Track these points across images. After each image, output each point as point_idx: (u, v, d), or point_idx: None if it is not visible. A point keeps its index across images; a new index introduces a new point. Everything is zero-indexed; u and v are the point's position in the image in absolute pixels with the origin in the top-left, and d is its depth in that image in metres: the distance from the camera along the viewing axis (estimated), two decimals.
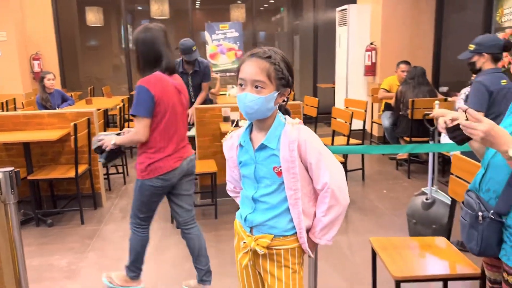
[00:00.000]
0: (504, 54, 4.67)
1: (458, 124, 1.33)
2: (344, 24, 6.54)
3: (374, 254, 2.25)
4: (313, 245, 1.52)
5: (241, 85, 1.40)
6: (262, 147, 1.45)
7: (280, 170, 1.42)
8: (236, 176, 1.60)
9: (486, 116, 2.76)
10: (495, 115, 2.86)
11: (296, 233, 1.47)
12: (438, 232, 2.89)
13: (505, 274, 1.41)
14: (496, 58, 2.97)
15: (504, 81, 2.96)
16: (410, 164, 4.92)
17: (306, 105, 5.40)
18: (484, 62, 2.98)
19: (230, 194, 1.74)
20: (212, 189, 4.00)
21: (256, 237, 1.48)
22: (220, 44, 7.82)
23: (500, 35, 4.78)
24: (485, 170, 1.47)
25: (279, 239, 1.47)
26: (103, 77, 9.24)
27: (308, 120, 5.46)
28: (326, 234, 1.48)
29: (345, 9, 6.44)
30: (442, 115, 1.41)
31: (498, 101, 2.89)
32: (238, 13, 8.59)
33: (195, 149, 4.27)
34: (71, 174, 3.66)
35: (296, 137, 1.40)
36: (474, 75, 4.01)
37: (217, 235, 3.49)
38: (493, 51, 2.93)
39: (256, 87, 1.37)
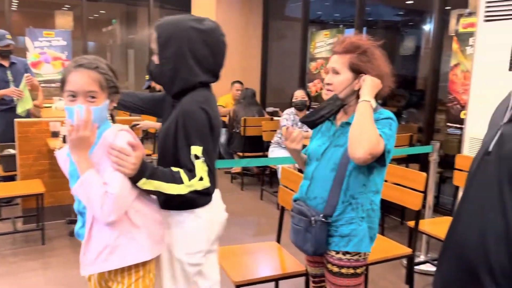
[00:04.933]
0: (317, 80, 5.48)
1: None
2: None
3: None
4: None
5: (73, 96, 1.37)
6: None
7: None
8: None
9: None
10: None
11: None
12: None
13: (329, 265, 1.69)
14: None
15: None
16: (243, 177, 5.29)
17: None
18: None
19: None
20: (38, 212, 3.61)
21: None
22: (44, 52, 7.12)
23: (313, 65, 5.58)
24: (310, 181, 1.74)
25: None
26: None
27: (146, 136, 5.40)
28: None
29: None
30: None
31: None
32: (65, 20, 7.97)
33: (15, 170, 3.80)
34: None
35: (110, 142, 1.40)
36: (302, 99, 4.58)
37: (45, 262, 3.15)
38: None
39: (90, 97, 1.37)
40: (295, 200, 1.81)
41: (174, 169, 1.50)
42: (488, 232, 0.91)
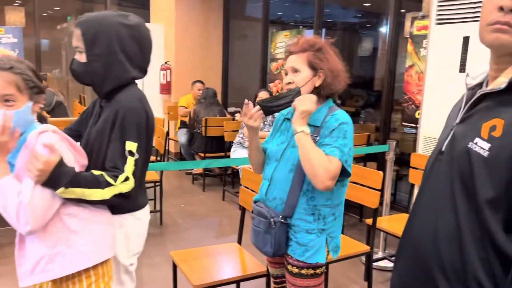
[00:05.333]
0: (278, 80, 5.51)
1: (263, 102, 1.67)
2: None
3: (175, 267, 2.33)
4: None
5: None
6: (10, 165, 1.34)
7: None
8: None
9: None
10: None
11: None
12: None
13: (289, 266, 1.68)
14: None
15: None
16: (205, 178, 5.24)
17: None
18: None
19: None
20: None
21: None
22: None
23: (273, 65, 5.61)
24: (270, 182, 1.73)
25: None
26: None
27: None
28: None
29: None
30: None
31: None
32: (16, 16, 7.59)
33: None
34: None
35: (32, 145, 1.32)
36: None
37: None
38: None
39: (6, 101, 1.29)
40: (255, 202, 1.80)
41: (96, 172, 1.40)
42: (440, 231, 0.93)
